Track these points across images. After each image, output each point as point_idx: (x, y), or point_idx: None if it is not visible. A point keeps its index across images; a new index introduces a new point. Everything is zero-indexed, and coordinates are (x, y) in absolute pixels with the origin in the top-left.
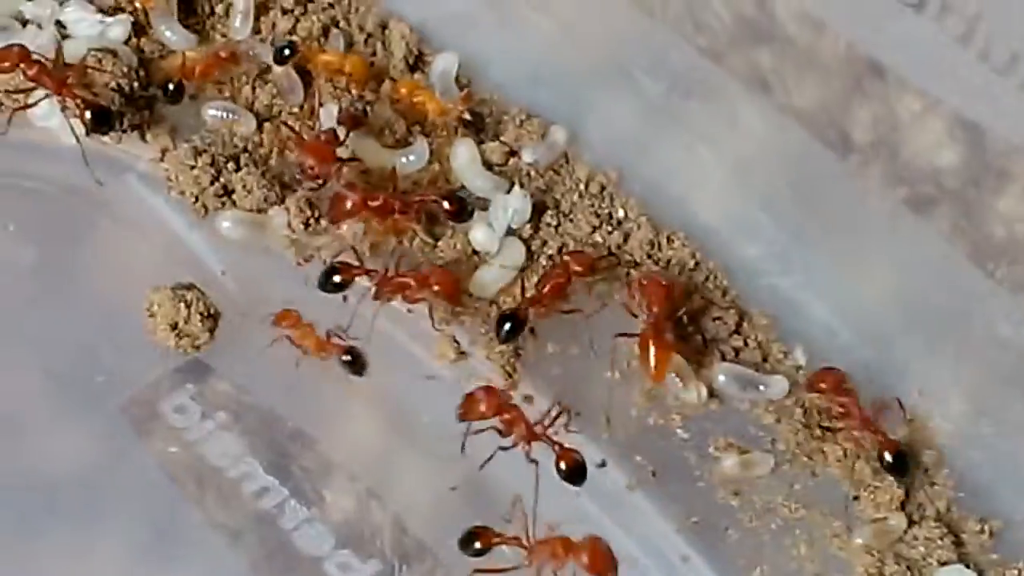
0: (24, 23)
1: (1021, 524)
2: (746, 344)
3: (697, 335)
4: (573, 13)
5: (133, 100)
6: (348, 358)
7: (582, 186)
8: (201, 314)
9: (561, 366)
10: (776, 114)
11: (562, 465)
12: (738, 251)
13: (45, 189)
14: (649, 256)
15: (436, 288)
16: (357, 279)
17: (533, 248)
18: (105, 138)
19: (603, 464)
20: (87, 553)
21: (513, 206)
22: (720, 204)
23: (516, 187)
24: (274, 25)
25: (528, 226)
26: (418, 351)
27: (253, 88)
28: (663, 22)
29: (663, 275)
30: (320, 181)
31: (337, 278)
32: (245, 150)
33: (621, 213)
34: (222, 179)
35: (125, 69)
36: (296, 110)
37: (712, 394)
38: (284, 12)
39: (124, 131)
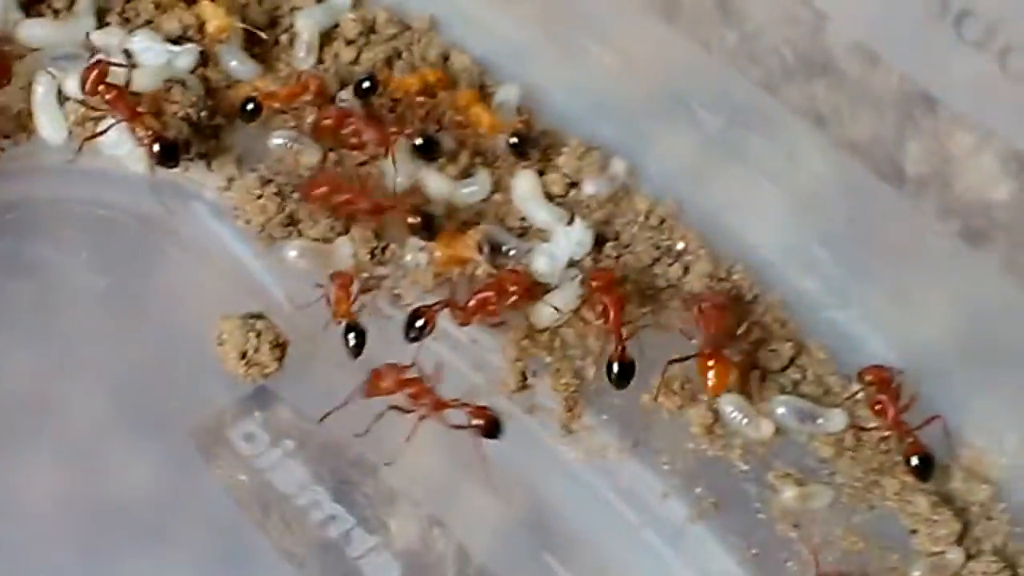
0: (92, 52)
1: None
2: (804, 377)
3: (755, 367)
4: (633, 46)
5: (200, 129)
6: (352, 335)
7: (642, 218)
8: (270, 343)
9: (622, 396)
10: (832, 147)
11: (477, 423)
12: (796, 284)
13: (115, 217)
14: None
15: (513, 289)
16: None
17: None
18: (173, 167)
19: (666, 495)
20: None
21: (574, 237)
22: (778, 237)
23: (577, 219)
24: (337, 55)
25: (589, 257)
26: (480, 380)
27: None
28: (720, 55)
29: (719, 296)
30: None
31: (420, 322)
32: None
33: (680, 245)
34: (288, 208)
35: (193, 99)
36: None
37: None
38: (348, 43)
39: (191, 160)
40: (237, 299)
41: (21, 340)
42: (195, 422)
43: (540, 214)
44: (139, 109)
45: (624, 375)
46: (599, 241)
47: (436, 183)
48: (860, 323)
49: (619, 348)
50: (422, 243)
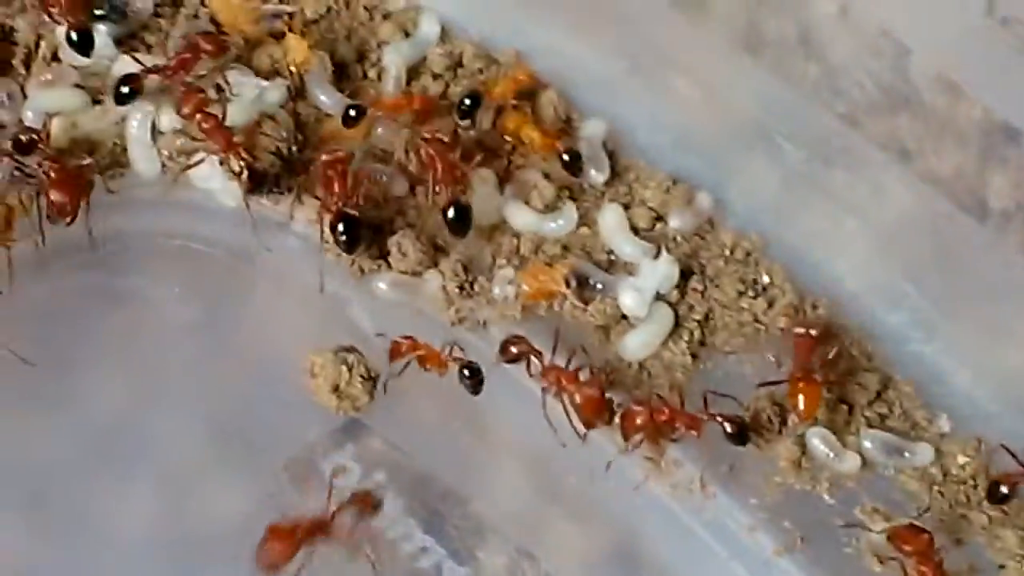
0: (186, 87)
1: None
2: (890, 411)
3: (842, 401)
4: (717, 80)
5: (290, 163)
6: (467, 372)
7: (727, 251)
8: (362, 376)
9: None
10: (916, 181)
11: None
12: (882, 317)
13: (207, 250)
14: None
15: (578, 400)
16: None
17: (681, 313)
18: (263, 200)
19: (753, 529)
20: None
21: (661, 271)
22: (863, 270)
23: (663, 252)
24: (425, 89)
25: (675, 291)
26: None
27: (406, 151)
28: (803, 88)
29: (814, 324)
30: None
31: (515, 348)
32: (399, 212)
33: (766, 279)
34: (378, 241)
35: (283, 133)
36: None
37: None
38: (435, 77)
39: (281, 193)
40: (328, 331)
41: (115, 371)
42: (287, 454)
43: (626, 248)
44: (236, 140)
45: None
46: (685, 275)
47: (522, 216)
48: (947, 356)
49: None
50: (511, 275)
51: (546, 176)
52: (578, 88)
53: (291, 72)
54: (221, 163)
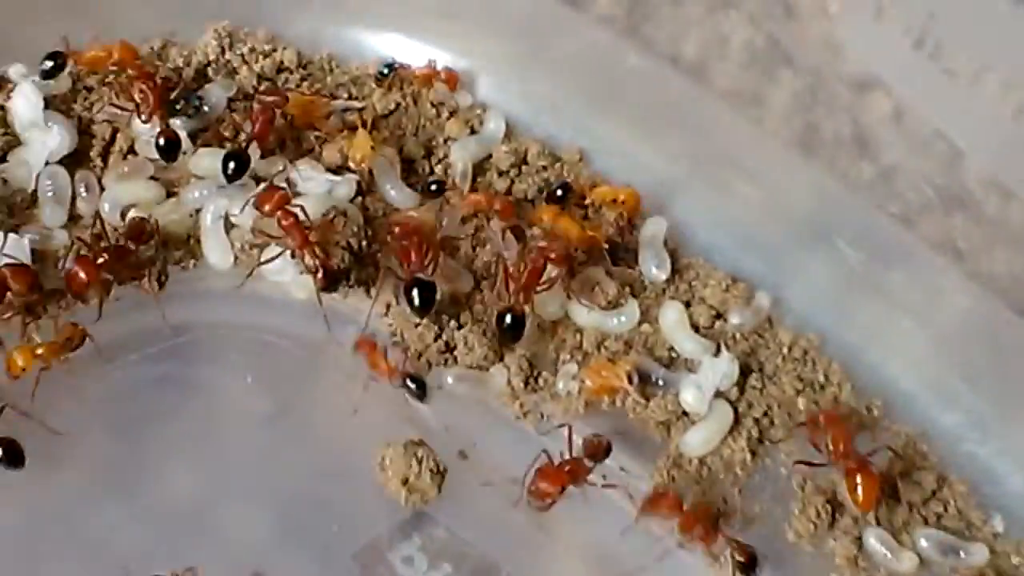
0: (258, 181)
1: None
2: (946, 510)
3: (898, 501)
4: (775, 180)
5: (360, 257)
6: (412, 384)
7: (785, 349)
8: (431, 470)
9: (768, 525)
10: (970, 283)
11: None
12: (937, 417)
13: (279, 342)
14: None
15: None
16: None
17: (740, 410)
18: (334, 294)
19: None
20: None
21: (721, 369)
22: (919, 370)
23: (723, 350)
24: (491, 185)
25: (735, 388)
26: (622, 502)
27: (473, 247)
28: (858, 189)
29: (842, 411)
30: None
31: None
32: (467, 307)
33: (823, 377)
34: (444, 336)
35: (355, 228)
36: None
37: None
38: (500, 174)
39: (351, 287)
40: (396, 424)
41: (188, 461)
42: (357, 545)
43: (687, 345)
44: (311, 237)
45: None
46: (744, 372)
47: (586, 314)
48: (1001, 458)
49: None
50: (575, 371)
51: (609, 274)
52: (640, 186)
53: (361, 167)
54: (293, 256)
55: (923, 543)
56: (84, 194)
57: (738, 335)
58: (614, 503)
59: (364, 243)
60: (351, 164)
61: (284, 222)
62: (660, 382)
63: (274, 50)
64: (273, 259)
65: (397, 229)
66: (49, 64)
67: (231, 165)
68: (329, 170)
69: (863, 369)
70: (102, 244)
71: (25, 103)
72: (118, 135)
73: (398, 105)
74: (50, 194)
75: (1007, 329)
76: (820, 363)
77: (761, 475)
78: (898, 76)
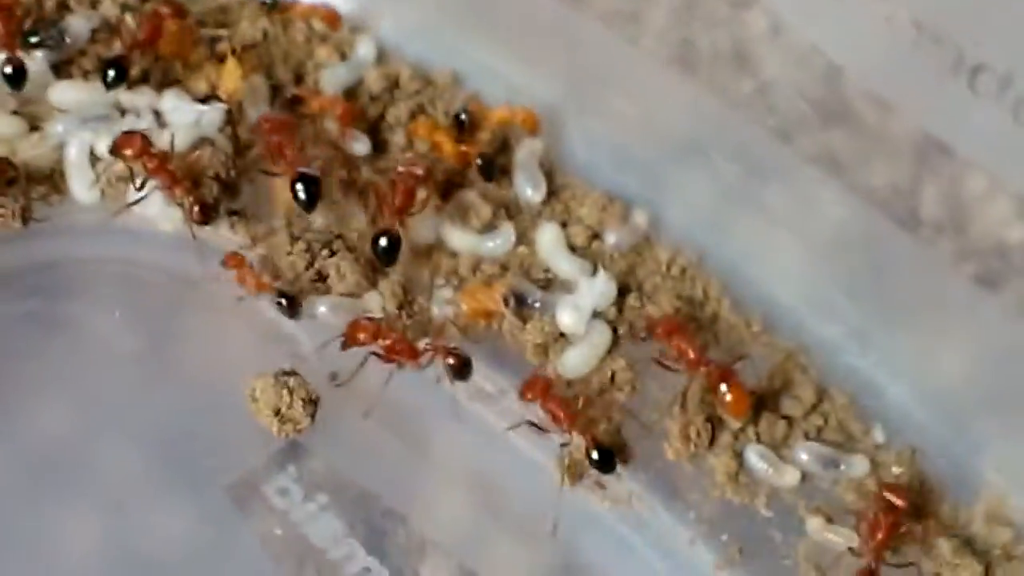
0: (123, 112)
1: None
2: (826, 423)
3: (778, 415)
4: (652, 97)
5: (229, 187)
6: (283, 300)
7: (664, 268)
8: (303, 400)
9: (649, 445)
10: (849, 195)
11: (451, 361)
12: (816, 331)
13: (147, 275)
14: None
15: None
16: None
17: (619, 330)
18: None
19: (692, 542)
20: None
21: (598, 289)
22: (798, 284)
23: (600, 270)
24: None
25: (612, 308)
26: (514, 437)
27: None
28: (736, 104)
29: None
30: None
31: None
32: (338, 236)
33: (701, 294)
34: (316, 264)
35: (222, 157)
36: None
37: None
38: (372, 99)
39: (220, 218)
40: (268, 355)
41: (56, 397)
42: (230, 477)
43: (564, 266)
44: (177, 175)
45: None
46: (622, 292)
47: (460, 237)
48: (880, 369)
49: None
50: (450, 295)
51: (483, 196)
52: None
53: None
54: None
55: (803, 456)
56: None
57: (616, 254)
58: (495, 429)
59: (233, 173)
60: (221, 94)
61: (150, 166)
62: (537, 304)
63: None
64: (142, 199)
65: (267, 125)
66: None
67: (111, 73)
68: (197, 100)
69: (742, 284)
70: None
71: None
72: None
73: (267, 33)
74: None
75: (886, 241)
76: (699, 280)
77: (641, 394)
78: None
